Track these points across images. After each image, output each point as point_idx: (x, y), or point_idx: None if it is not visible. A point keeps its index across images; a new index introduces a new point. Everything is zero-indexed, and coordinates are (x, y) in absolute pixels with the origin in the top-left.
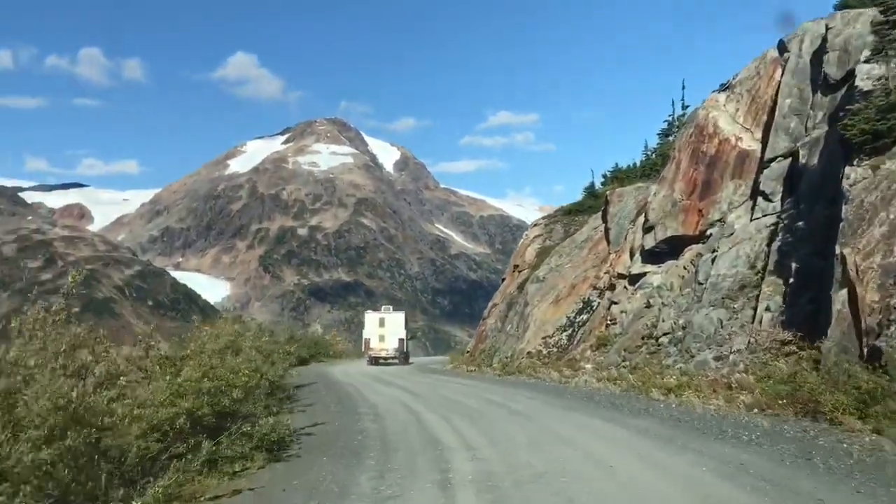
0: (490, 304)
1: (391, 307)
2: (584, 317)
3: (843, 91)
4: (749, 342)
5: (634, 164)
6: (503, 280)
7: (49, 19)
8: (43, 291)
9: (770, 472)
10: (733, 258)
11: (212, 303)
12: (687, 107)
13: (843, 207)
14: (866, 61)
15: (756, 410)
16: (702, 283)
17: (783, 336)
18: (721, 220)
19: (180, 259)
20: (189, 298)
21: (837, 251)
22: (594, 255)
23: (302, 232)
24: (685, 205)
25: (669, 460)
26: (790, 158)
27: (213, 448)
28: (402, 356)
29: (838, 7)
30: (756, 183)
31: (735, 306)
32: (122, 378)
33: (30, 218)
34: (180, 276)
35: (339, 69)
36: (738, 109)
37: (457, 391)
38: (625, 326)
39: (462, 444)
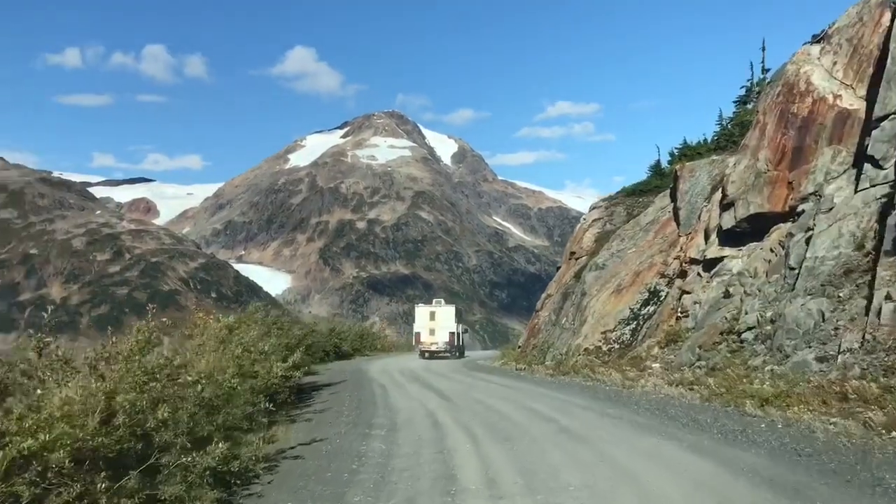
0: (543, 294)
1: (442, 300)
2: (650, 308)
3: None
4: (864, 339)
5: (705, 140)
6: (558, 269)
7: (114, 18)
8: (111, 284)
9: None
10: (834, 237)
11: (273, 295)
12: (768, 70)
13: None
14: None
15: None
16: (794, 269)
17: None
18: (816, 193)
19: (242, 252)
20: (251, 290)
21: None
22: (661, 239)
23: (360, 225)
24: (772, 176)
25: None
26: None
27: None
28: (454, 350)
29: None
30: (861, 147)
31: (840, 295)
32: None
33: (98, 212)
34: (243, 269)
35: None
36: (835, 63)
37: (499, 395)
38: (699, 320)
39: (485, 484)
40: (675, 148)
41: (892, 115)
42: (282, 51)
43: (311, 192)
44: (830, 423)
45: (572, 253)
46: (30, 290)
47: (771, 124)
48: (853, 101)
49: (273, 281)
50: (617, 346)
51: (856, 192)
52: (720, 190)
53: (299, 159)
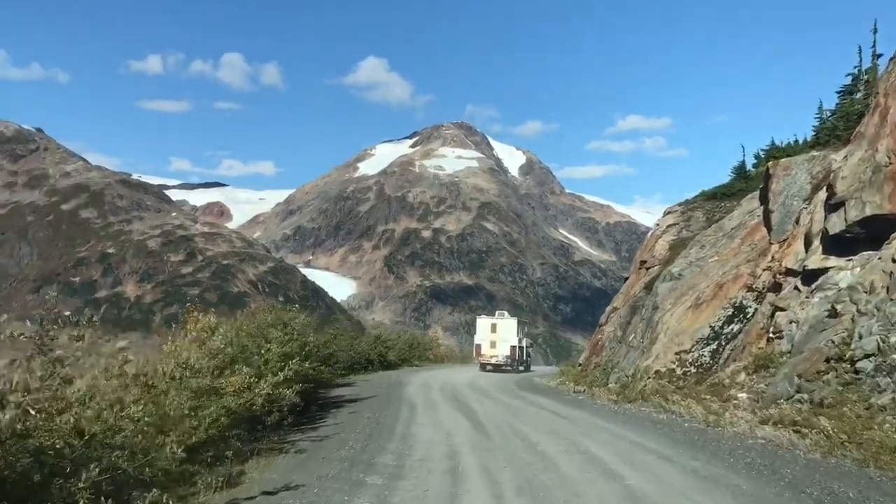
0: (608, 307)
1: (506, 313)
2: (735, 327)
3: None
4: None
5: (796, 141)
6: (626, 279)
7: (195, 26)
8: (183, 284)
9: None
10: None
11: (338, 300)
12: (880, 55)
13: None
14: None
15: None
16: None
17: None
18: None
19: (310, 257)
20: (317, 295)
21: None
22: (749, 247)
23: (426, 234)
24: (894, 170)
25: None
26: None
27: None
28: (515, 364)
29: None
30: None
31: None
32: None
33: (174, 214)
34: (310, 274)
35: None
36: None
37: (547, 428)
38: (797, 342)
39: None
40: (762, 150)
41: None
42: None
43: (379, 200)
44: None
45: (643, 262)
46: (106, 288)
47: (895, 107)
48: None
49: (339, 286)
50: (693, 369)
51: None
52: (825, 188)
53: (368, 168)
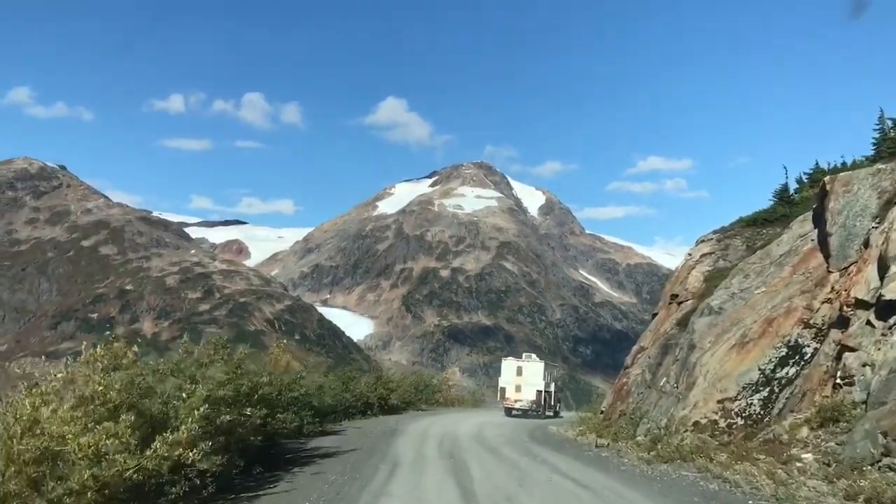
0: (634, 347)
1: (533, 355)
2: (790, 370)
3: None
4: None
5: (843, 163)
6: (654, 315)
7: (218, 67)
8: (199, 322)
9: None
10: None
11: (355, 340)
12: None
13: None
14: None
15: None
16: None
17: None
18: None
19: (328, 296)
20: (334, 334)
21: None
22: (802, 275)
23: (444, 273)
24: None
25: None
26: None
27: None
28: (541, 409)
29: None
30: None
31: None
32: None
33: (192, 252)
34: (327, 312)
35: (486, 114)
36: None
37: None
38: (874, 390)
39: None
40: (805, 173)
41: None
42: (374, 101)
43: (398, 238)
44: None
45: (673, 296)
46: (123, 325)
47: None
48: None
49: (356, 325)
50: (741, 420)
51: None
52: None
53: (387, 206)
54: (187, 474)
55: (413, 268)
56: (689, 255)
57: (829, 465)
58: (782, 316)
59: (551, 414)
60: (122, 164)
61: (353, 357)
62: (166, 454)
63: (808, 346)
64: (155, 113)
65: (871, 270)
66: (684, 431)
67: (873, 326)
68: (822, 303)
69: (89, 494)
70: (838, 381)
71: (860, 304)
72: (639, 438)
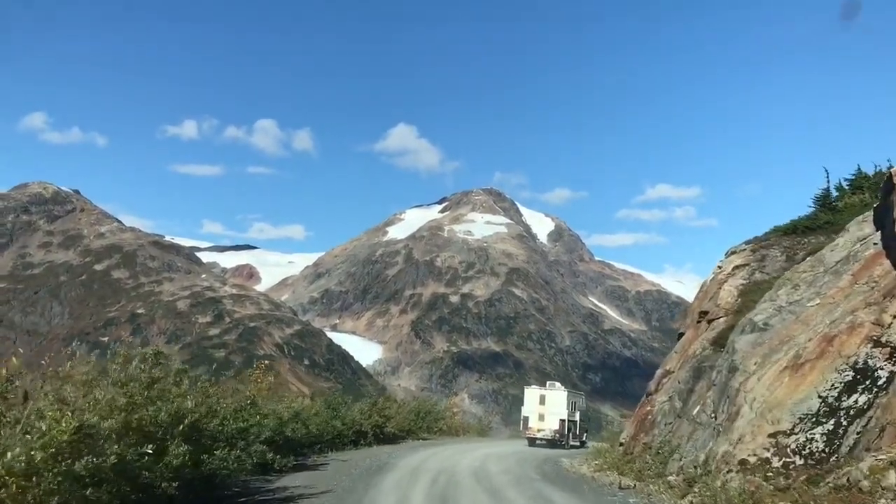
0: (659, 371)
1: (557, 383)
2: (861, 398)
3: None
4: None
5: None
6: (680, 335)
7: (231, 93)
8: (209, 346)
9: None
10: None
11: (364, 365)
12: None
13: None
14: None
15: None
16: None
17: None
18: None
19: (337, 321)
20: (343, 360)
21: None
22: (866, 285)
23: (454, 299)
24: None
25: None
26: None
27: None
28: (565, 439)
29: None
30: None
31: None
32: None
33: (203, 276)
34: (336, 338)
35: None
36: None
37: None
38: None
39: None
40: (845, 179)
41: None
42: (385, 128)
43: (407, 264)
44: None
45: (703, 313)
46: (134, 348)
47: None
48: None
49: (365, 351)
50: (799, 459)
51: None
52: None
53: (397, 232)
54: None
55: (422, 293)
56: (719, 267)
57: None
58: (845, 333)
59: (577, 444)
60: (136, 189)
61: (362, 383)
62: None
63: (882, 370)
64: (168, 138)
65: None
66: (728, 472)
67: None
68: (895, 317)
69: None
70: None
71: None
72: (670, 478)
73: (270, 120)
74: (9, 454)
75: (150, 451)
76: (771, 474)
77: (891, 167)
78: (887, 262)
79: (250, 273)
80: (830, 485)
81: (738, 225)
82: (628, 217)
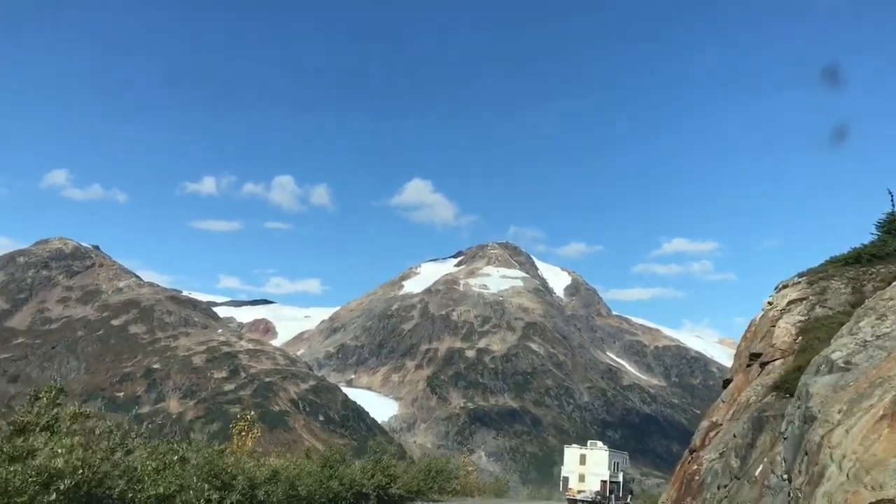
0: (704, 423)
1: (598, 442)
2: None
3: None
4: None
5: None
6: (727, 382)
7: (249, 150)
8: (224, 401)
9: None
10: None
11: (379, 421)
12: None
13: None
14: None
15: None
16: None
17: None
18: None
19: (353, 376)
20: (358, 416)
21: None
22: None
23: (470, 354)
24: None
25: None
26: None
27: None
28: (608, 500)
29: None
30: None
31: None
32: None
33: (220, 331)
34: (352, 393)
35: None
36: None
37: None
38: None
39: None
40: None
41: None
42: (400, 183)
43: (423, 318)
44: None
45: (754, 355)
46: (149, 403)
47: None
48: None
49: (380, 407)
50: None
51: None
52: None
53: (413, 286)
54: None
55: (438, 348)
56: (770, 303)
57: None
58: None
59: None
60: (155, 245)
61: (378, 440)
62: None
63: None
64: (187, 195)
65: None
66: None
67: None
68: None
69: None
70: None
71: None
72: None
73: (288, 176)
74: None
75: None
76: None
77: None
78: None
79: (266, 328)
80: None
81: (756, 279)
82: (645, 271)
